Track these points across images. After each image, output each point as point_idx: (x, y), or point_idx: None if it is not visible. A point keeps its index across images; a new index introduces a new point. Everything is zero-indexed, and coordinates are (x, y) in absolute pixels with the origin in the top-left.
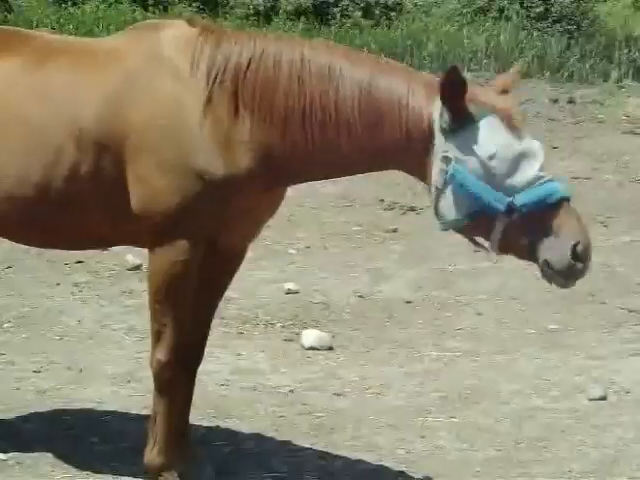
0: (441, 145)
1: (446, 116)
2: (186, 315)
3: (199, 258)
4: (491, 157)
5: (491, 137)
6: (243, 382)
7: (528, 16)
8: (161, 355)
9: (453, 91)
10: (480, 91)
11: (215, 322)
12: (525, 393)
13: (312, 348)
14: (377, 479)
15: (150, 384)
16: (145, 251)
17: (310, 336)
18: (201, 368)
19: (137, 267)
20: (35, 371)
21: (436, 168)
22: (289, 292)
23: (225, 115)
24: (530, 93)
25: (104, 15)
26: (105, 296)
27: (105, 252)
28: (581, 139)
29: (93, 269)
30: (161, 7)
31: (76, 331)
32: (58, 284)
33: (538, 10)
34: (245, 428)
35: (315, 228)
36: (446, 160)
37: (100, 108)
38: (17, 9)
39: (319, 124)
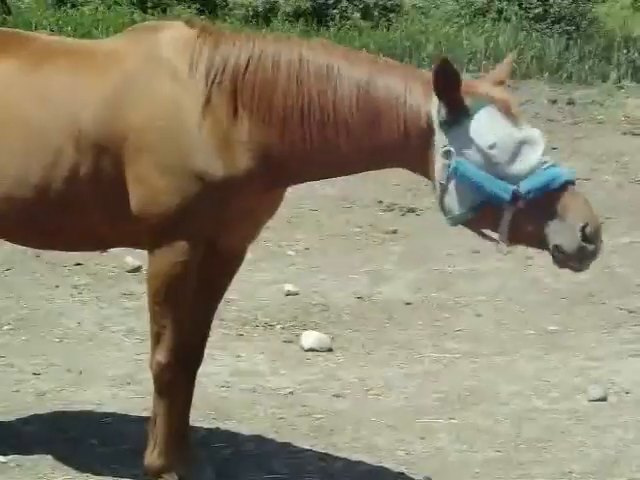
0: (441, 140)
1: (443, 110)
2: (186, 317)
3: (198, 259)
4: (491, 146)
5: (490, 127)
6: (243, 384)
7: (527, 17)
8: (161, 357)
9: (446, 82)
10: (476, 83)
11: (215, 324)
12: (525, 394)
13: (312, 350)
14: None
15: (150, 386)
16: (144, 253)
17: (310, 337)
18: (201, 370)
19: (136, 269)
20: (35, 373)
21: (438, 164)
22: (288, 294)
23: (224, 116)
24: (529, 94)
25: (103, 17)
26: (105, 298)
27: (104, 254)
28: (580, 140)
29: (92, 271)
30: (160, 9)
31: (76, 333)
32: (57, 286)
33: (537, 11)
34: (245, 430)
35: (314, 230)
36: (447, 154)
37: (99, 109)
38: (16, 11)
39: (317, 124)
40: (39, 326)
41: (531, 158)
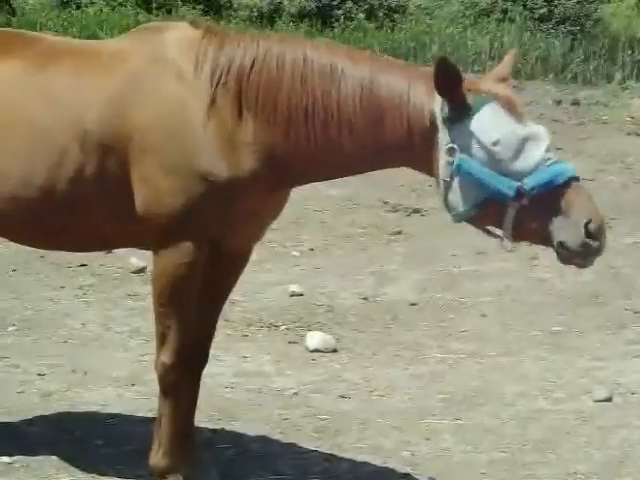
0: (445, 137)
1: (446, 107)
2: (191, 317)
3: (203, 260)
4: (495, 143)
5: (493, 123)
6: (248, 384)
7: (532, 18)
8: (166, 358)
9: (447, 80)
10: (479, 80)
11: (219, 324)
12: (530, 395)
13: (316, 350)
14: None
15: (155, 387)
16: (149, 254)
17: (314, 338)
18: (206, 370)
19: (141, 270)
20: (40, 374)
21: (442, 161)
22: (293, 294)
23: (229, 117)
24: (534, 94)
25: (107, 18)
26: (109, 299)
27: (109, 255)
28: (585, 140)
29: (97, 272)
30: (164, 10)
31: (80, 334)
32: (62, 287)
33: (541, 11)
34: (250, 430)
35: (319, 230)
36: (451, 151)
37: (104, 109)
38: (20, 12)
39: (322, 123)
40: (44, 327)
41: (535, 154)
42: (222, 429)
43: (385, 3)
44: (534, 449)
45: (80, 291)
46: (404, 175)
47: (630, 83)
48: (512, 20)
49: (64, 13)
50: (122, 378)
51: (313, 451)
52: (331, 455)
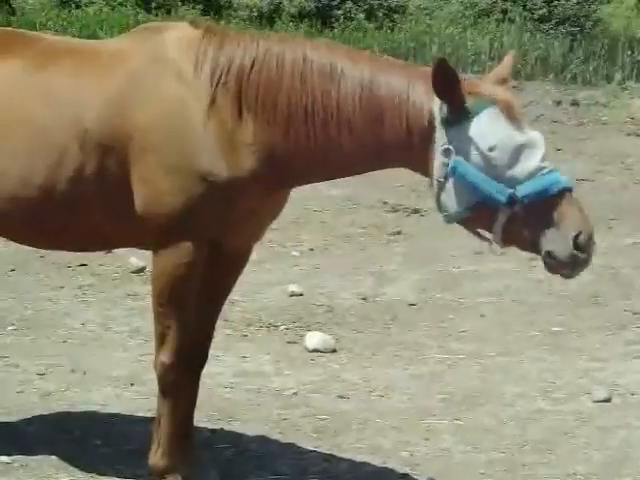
0: (442, 138)
1: (445, 108)
2: (190, 317)
3: (203, 260)
4: (491, 148)
5: (491, 128)
6: (247, 384)
7: (531, 18)
8: (165, 357)
9: (445, 83)
10: (478, 82)
11: (219, 324)
12: (529, 395)
13: (316, 350)
14: None
15: (154, 386)
16: (149, 254)
17: (314, 338)
18: (205, 370)
19: (141, 270)
20: (39, 374)
21: (437, 161)
22: (293, 294)
23: (229, 117)
24: (533, 95)
25: (107, 17)
26: (109, 299)
27: (109, 255)
28: (584, 141)
29: (97, 272)
30: (164, 9)
31: (80, 334)
32: (62, 287)
33: (541, 12)
34: (249, 430)
35: (319, 230)
36: (447, 152)
37: (104, 109)
38: (20, 11)
39: (321, 122)
40: (43, 327)
41: (530, 163)
42: (221, 429)
43: (385, 3)
44: (533, 449)
45: (79, 291)
46: (404, 175)
47: (630, 84)
48: (512, 20)
49: (64, 13)
50: (121, 378)
51: (312, 451)
52: (330, 455)
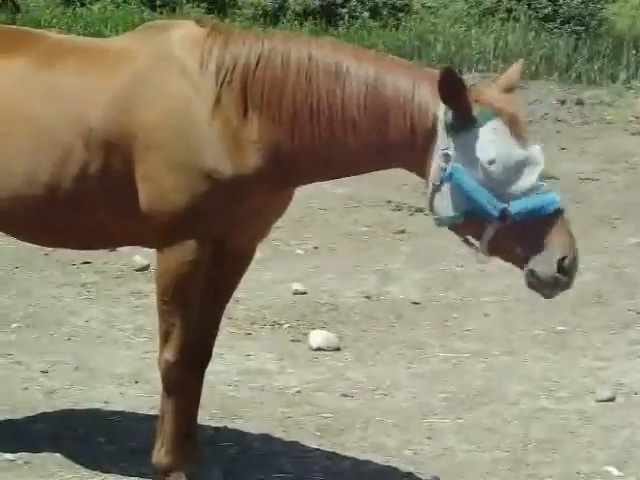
0: (443, 142)
1: (450, 113)
2: (194, 315)
3: (207, 258)
4: (491, 162)
5: (494, 141)
6: (251, 382)
7: (536, 17)
8: (169, 355)
9: (451, 90)
10: (485, 90)
11: (223, 322)
12: (533, 394)
13: (319, 349)
14: None
15: (158, 384)
16: (153, 252)
17: (317, 337)
18: (209, 368)
19: (145, 267)
20: (43, 371)
21: (435, 164)
22: (297, 293)
23: (234, 115)
24: (538, 94)
25: (112, 15)
26: (113, 296)
27: (113, 252)
28: (589, 140)
29: (101, 269)
30: (169, 7)
31: (84, 331)
32: (66, 284)
33: (546, 11)
34: (252, 429)
35: (323, 229)
36: (446, 158)
37: (110, 107)
38: (25, 9)
39: (326, 121)
40: (47, 324)
41: (527, 180)
42: (225, 427)
43: (389, 2)
44: (537, 449)
45: (83, 288)
46: (408, 174)
47: (635, 83)
48: (516, 19)
49: (68, 10)
50: (125, 376)
51: (315, 449)
52: (333, 453)
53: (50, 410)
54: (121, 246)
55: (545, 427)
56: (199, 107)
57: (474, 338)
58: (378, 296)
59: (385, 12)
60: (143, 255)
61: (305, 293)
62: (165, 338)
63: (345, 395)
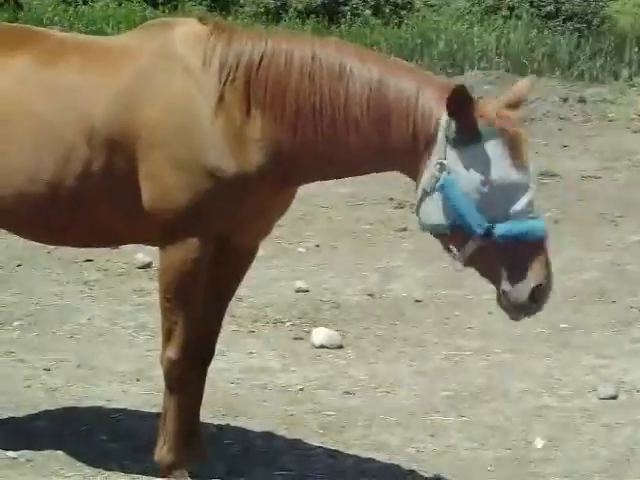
0: (440, 151)
1: (453, 126)
2: (197, 313)
3: (210, 256)
4: (484, 182)
5: (490, 162)
6: (253, 380)
7: (538, 15)
8: (172, 353)
9: (459, 108)
10: (490, 105)
11: (225, 320)
12: (535, 392)
13: (322, 346)
14: (387, 478)
15: (160, 382)
16: (155, 249)
17: (320, 334)
18: (211, 366)
19: (147, 265)
20: (45, 369)
21: (429, 171)
22: (299, 290)
23: (237, 113)
24: (540, 92)
25: (114, 13)
26: (115, 294)
27: (115, 250)
28: (591, 138)
29: (103, 267)
30: (171, 5)
31: (86, 329)
32: (68, 282)
33: (548, 9)
34: (255, 426)
35: (325, 227)
36: (441, 167)
37: (113, 105)
38: (27, 7)
39: (329, 120)
40: (50, 322)
41: (517, 205)
42: (227, 425)
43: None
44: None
45: (86, 286)
46: None
47: (637, 80)
48: (519, 17)
49: (70, 8)
50: (128, 373)
51: (318, 447)
52: (336, 451)
53: (52, 408)
54: (124, 244)
55: (547, 425)
56: (202, 105)
57: (476, 336)
58: (380, 294)
59: (387, 10)
60: (146, 253)
61: (307, 291)
62: (168, 336)
63: (347, 393)
